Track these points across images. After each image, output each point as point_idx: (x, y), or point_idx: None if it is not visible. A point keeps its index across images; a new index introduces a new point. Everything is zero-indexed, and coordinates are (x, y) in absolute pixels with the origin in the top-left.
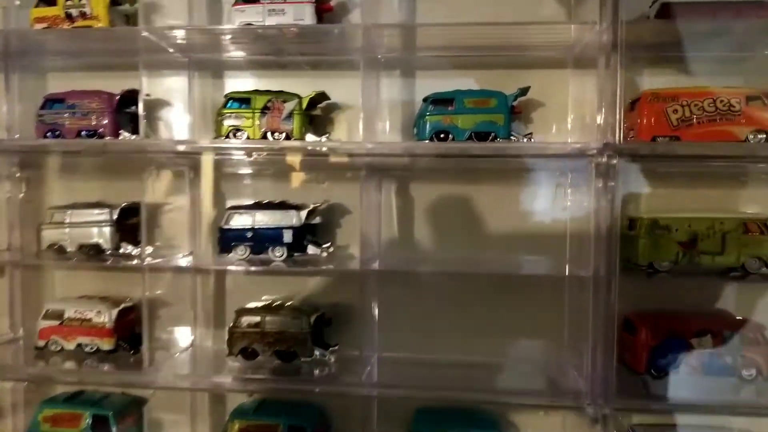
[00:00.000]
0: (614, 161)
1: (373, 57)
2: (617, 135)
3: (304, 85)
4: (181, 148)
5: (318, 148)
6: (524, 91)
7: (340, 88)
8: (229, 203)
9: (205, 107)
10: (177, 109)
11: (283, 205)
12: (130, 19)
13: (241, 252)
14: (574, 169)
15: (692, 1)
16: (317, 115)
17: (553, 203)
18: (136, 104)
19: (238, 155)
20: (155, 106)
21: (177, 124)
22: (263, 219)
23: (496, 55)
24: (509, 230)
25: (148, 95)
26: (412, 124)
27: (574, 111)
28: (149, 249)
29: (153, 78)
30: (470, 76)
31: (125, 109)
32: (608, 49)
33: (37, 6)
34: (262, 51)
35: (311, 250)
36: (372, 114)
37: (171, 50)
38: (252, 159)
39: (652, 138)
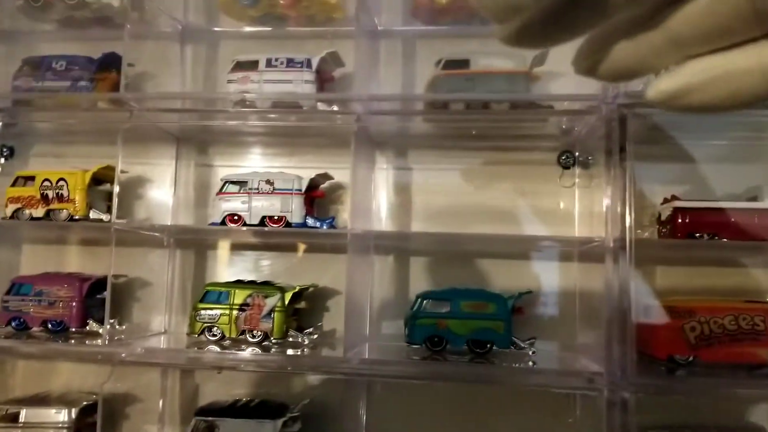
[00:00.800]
0: (627, 395)
1: (366, 245)
2: (628, 364)
3: None
4: (149, 357)
5: (293, 364)
6: (523, 294)
7: (329, 270)
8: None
9: (185, 294)
10: (156, 291)
11: (259, 410)
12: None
13: None
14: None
15: (707, 208)
16: (302, 308)
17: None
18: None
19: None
20: (129, 285)
21: (155, 309)
22: (233, 429)
23: (496, 246)
24: None
25: (124, 276)
26: (403, 321)
27: (581, 312)
28: None
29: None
30: (466, 267)
31: (97, 295)
32: (614, 254)
33: (13, 185)
34: None
35: None
36: (357, 319)
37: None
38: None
39: (668, 356)
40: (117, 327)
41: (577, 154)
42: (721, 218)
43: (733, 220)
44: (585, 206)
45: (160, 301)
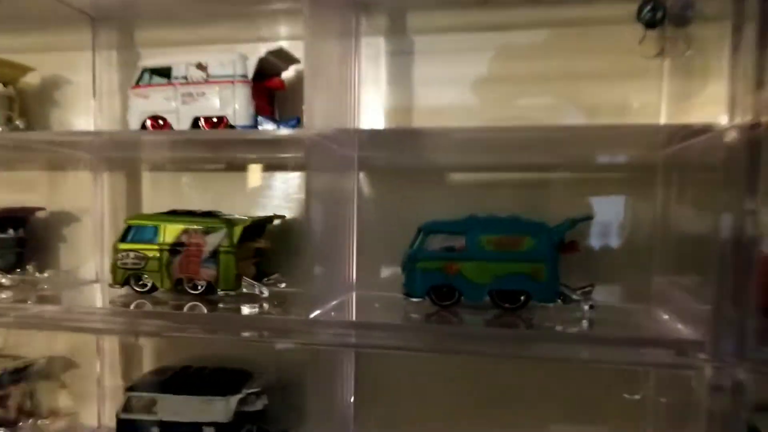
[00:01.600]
0: (742, 375)
1: (345, 157)
2: (748, 329)
3: None
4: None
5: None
6: (577, 221)
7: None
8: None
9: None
10: (84, 227)
11: (212, 381)
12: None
13: None
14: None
15: None
16: (264, 248)
17: None
18: (21, 226)
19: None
20: (52, 221)
21: (85, 250)
22: (175, 409)
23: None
24: None
25: (41, 209)
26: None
27: (662, 248)
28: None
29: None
30: (492, 186)
31: (2, 234)
32: (735, 153)
33: None
34: None
35: None
36: None
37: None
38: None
39: None
40: (38, 275)
41: (669, 2)
42: None
43: None
44: (678, 85)
45: (91, 240)
